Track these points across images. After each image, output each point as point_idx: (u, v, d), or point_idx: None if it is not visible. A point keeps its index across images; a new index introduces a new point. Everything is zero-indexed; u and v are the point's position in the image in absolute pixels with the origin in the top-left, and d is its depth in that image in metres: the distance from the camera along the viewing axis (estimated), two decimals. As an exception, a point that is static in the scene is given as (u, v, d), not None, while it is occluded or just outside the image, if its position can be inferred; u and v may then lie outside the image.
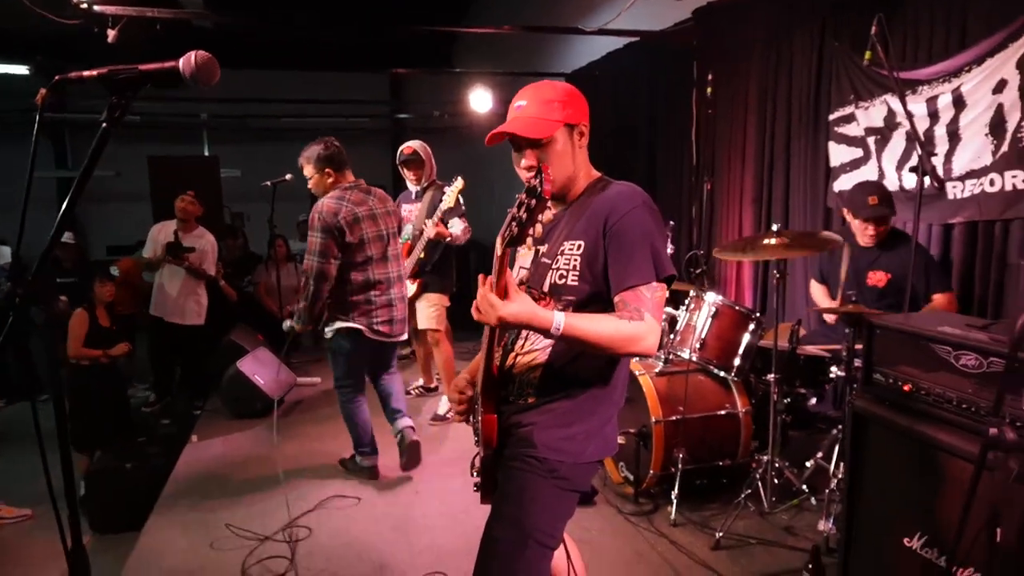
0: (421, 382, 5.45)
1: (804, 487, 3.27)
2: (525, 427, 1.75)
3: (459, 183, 4.41)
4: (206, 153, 11.76)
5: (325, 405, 5.26)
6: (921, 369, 2.09)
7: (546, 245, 1.78)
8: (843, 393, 3.35)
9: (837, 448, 3.24)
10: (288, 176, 6.03)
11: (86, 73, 1.14)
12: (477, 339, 1.78)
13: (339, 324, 3.64)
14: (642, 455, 3.36)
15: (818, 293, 3.85)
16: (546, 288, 1.74)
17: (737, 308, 3.40)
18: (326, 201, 3.52)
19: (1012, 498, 1.69)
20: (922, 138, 3.61)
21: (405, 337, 3.91)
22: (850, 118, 4.12)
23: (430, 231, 4.42)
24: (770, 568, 2.85)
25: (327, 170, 3.61)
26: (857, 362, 2.56)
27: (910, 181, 3.57)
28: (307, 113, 11.39)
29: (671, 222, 4.38)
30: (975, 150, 3.40)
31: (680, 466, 3.26)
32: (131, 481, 4.01)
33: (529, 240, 1.49)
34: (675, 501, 3.23)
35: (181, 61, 1.14)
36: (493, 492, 1.82)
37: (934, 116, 3.58)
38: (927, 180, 2.71)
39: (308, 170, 3.65)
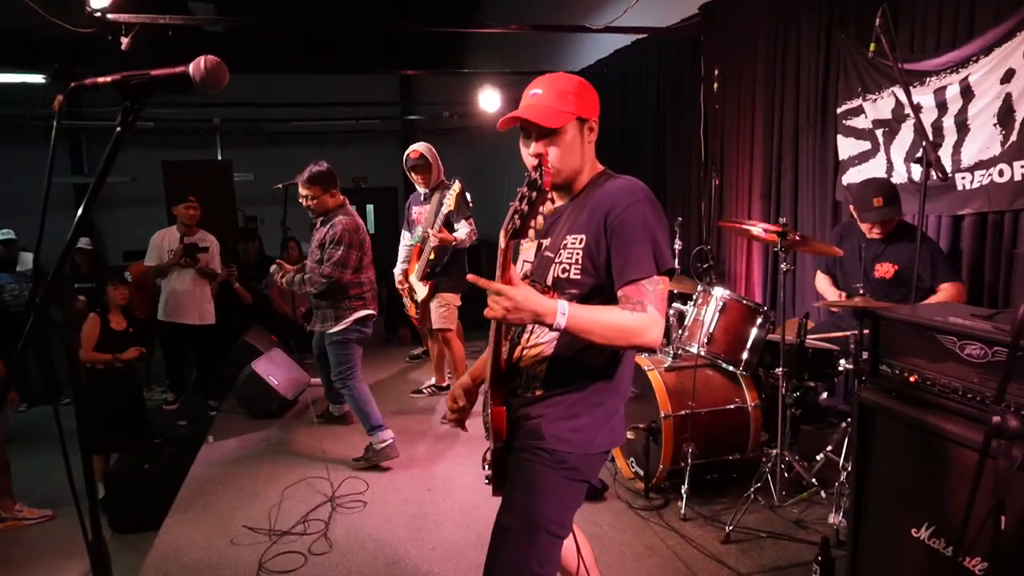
0: (433, 381, 5.49)
1: (814, 480, 3.27)
2: (533, 419, 1.78)
3: (456, 187, 4.46)
4: (219, 157, 11.87)
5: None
6: (927, 360, 2.09)
7: (549, 239, 1.80)
8: (853, 386, 3.35)
9: (847, 441, 3.24)
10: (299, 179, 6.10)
11: (100, 80, 1.18)
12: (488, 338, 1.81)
13: (358, 314, 4.03)
14: (652, 450, 3.38)
15: (824, 284, 3.85)
16: (549, 281, 1.76)
17: (745, 302, 3.41)
18: (345, 218, 3.96)
19: (1016, 486, 1.69)
20: (926, 130, 3.60)
21: None
22: (858, 111, 4.11)
23: (433, 240, 4.45)
24: (780, 561, 2.86)
25: (333, 190, 4.00)
26: (865, 354, 2.57)
27: (918, 173, 3.56)
28: (318, 116, 11.48)
29: (679, 218, 4.40)
30: (984, 140, 3.38)
31: (690, 461, 3.27)
32: (149, 481, 4.08)
33: (532, 232, 1.52)
34: (685, 495, 3.24)
35: (191, 66, 1.17)
36: (504, 484, 1.85)
37: (942, 107, 3.57)
38: (932, 173, 2.70)
39: (314, 191, 3.96)
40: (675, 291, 3.97)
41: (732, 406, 3.44)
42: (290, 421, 4.99)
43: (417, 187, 4.80)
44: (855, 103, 4.11)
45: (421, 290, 4.73)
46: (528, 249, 1.87)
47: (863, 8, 3.94)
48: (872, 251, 3.49)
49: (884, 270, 3.45)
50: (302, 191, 4.03)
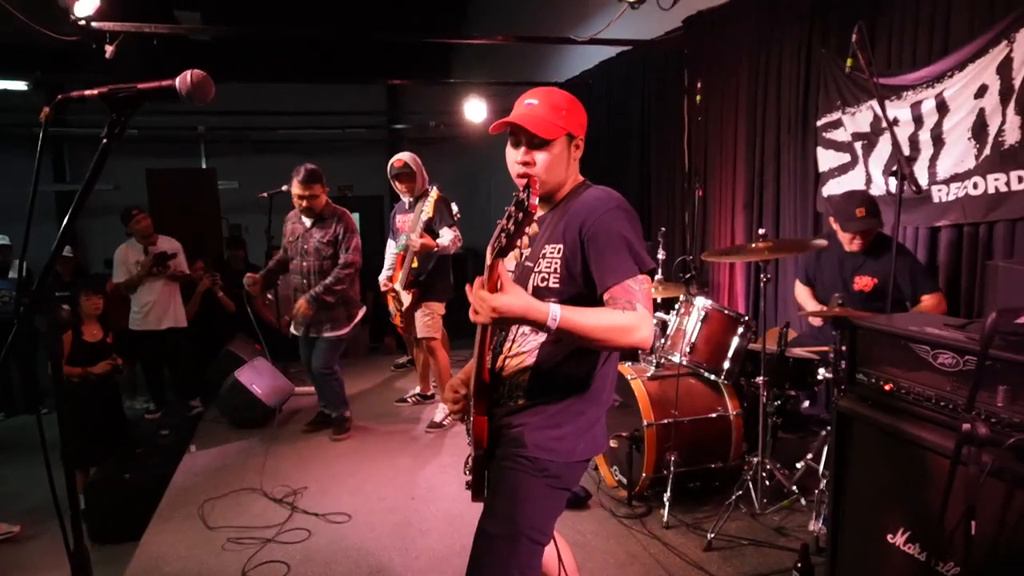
0: (418, 389, 5.49)
1: (794, 488, 3.31)
2: (516, 428, 1.80)
3: (434, 193, 4.50)
4: (204, 165, 11.82)
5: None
6: (902, 369, 2.14)
7: (529, 249, 1.83)
8: (833, 395, 3.39)
9: (826, 449, 3.28)
10: (285, 187, 6.08)
11: (87, 92, 1.20)
12: (473, 347, 1.83)
13: (360, 312, 4.53)
14: (635, 458, 3.40)
15: (803, 295, 3.91)
16: (529, 291, 1.79)
17: (726, 312, 3.45)
18: (347, 212, 4.41)
19: (987, 492, 1.73)
20: (904, 143, 3.68)
21: None
22: (837, 124, 4.19)
23: (415, 244, 4.46)
24: (761, 568, 2.89)
25: (326, 188, 4.30)
26: (843, 363, 2.61)
27: (896, 185, 3.63)
28: (304, 124, 11.47)
29: (663, 228, 4.44)
30: (959, 154, 3.46)
31: (672, 469, 3.30)
32: (130, 491, 4.05)
33: (517, 251, 1.54)
34: (667, 503, 3.27)
35: (177, 80, 1.19)
36: (483, 490, 1.87)
37: (918, 121, 3.65)
38: (906, 185, 2.76)
39: (314, 189, 4.20)
40: (658, 300, 4.01)
41: (714, 415, 3.47)
42: (273, 430, 4.96)
43: (401, 196, 4.82)
44: (835, 116, 4.19)
45: (405, 298, 4.74)
46: (509, 259, 1.89)
47: (843, 23, 4.02)
48: (852, 264, 3.55)
49: (863, 283, 3.50)
50: (301, 192, 4.13)
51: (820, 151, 4.34)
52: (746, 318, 3.45)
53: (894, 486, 2.14)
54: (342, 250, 4.29)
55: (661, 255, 4.22)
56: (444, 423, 4.81)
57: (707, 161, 5.45)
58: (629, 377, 3.48)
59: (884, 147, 3.89)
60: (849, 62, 2.91)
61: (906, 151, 3.68)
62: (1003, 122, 3.22)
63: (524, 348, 1.80)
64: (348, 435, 4.66)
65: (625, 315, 1.63)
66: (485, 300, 1.53)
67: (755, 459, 3.30)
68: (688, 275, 3.85)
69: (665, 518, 3.25)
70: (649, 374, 3.53)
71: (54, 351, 1.26)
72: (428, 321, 4.74)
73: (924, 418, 2.04)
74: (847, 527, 2.32)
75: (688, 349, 3.42)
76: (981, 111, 3.32)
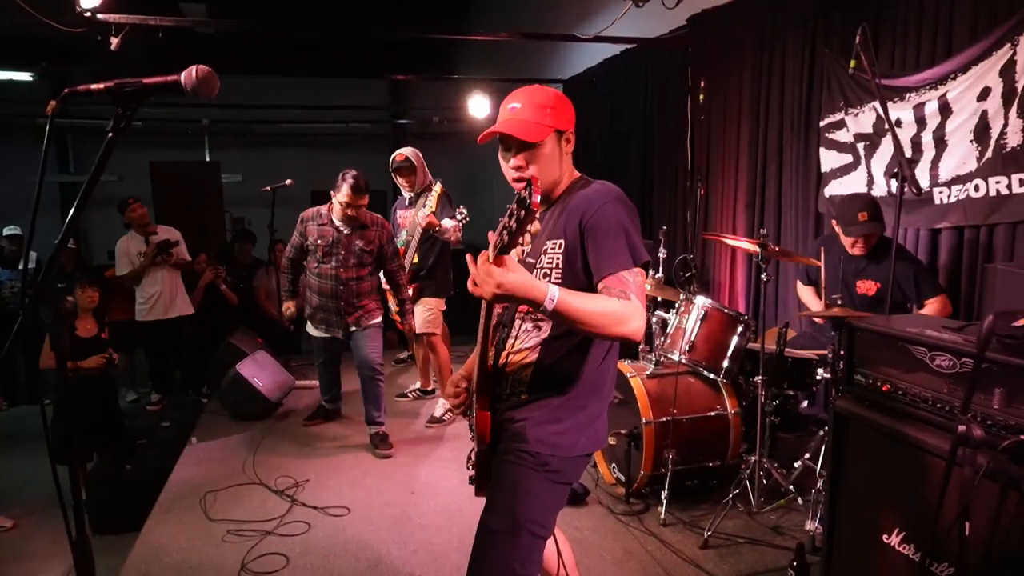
0: (418, 385, 5.51)
1: (791, 487, 3.32)
2: (518, 422, 1.82)
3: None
4: (207, 158, 11.84)
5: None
6: (900, 370, 2.15)
7: (530, 246, 1.84)
8: (831, 395, 3.40)
9: (823, 449, 3.29)
10: (288, 181, 6.11)
11: (93, 86, 1.21)
12: (474, 343, 1.84)
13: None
14: (633, 456, 3.42)
15: (806, 294, 3.91)
16: None
17: (725, 311, 3.46)
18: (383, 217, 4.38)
19: (981, 493, 1.75)
20: (906, 144, 3.69)
21: None
22: (840, 124, 4.19)
23: (422, 221, 4.50)
24: (757, 567, 2.91)
25: None
26: (841, 364, 2.62)
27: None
28: (308, 119, 11.49)
29: (664, 227, 4.45)
30: (961, 156, 3.46)
31: (670, 467, 3.31)
32: (131, 483, 4.07)
33: (519, 250, 1.55)
34: (665, 501, 3.29)
35: (183, 75, 1.20)
36: (486, 485, 1.89)
37: (921, 122, 3.65)
38: (906, 187, 2.77)
39: (366, 199, 4.13)
40: (658, 299, 4.02)
41: (713, 413, 3.48)
42: (274, 423, 4.99)
43: (402, 191, 4.83)
44: (837, 117, 4.19)
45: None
46: (511, 256, 1.91)
47: (846, 24, 4.02)
48: (854, 267, 3.55)
49: (867, 287, 3.50)
50: (352, 201, 4.01)
51: (822, 151, 4.34)
52: (745, 317, 3.46)
53: (890, 486, 2.15)
54: (389, 255, 4.31)
55: (662, 253, 4.23)
56: (444, 418, 4.83)
57: (709, 160, 5.46)
58: (628, 375, 3.49)
59: (886, 148, 3.89)
60: (852, 63, 2.92)
61: (908, 152, 3.68)
62: (1005, 125, 3.22)
63: (527, 344, 1.82)
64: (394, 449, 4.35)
65: (620, 303, 1.64)
66: (491, 274, 1.52)
67: (753, 458, 3.31)
68: (689, 273, 3.85)
69: (662, 516, 3.27)
70: (648, 372, 3.54)
71: (58, 342, 1.27)
72: (428, 316, 4.76)
73: (921, 419, 2.05)
74: (843, 527, 2.34)
75: (687, 347, 3.43)
76: (984, 113, 3.32)
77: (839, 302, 3.14)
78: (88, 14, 4.33)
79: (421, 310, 4.76)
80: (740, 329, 3.41)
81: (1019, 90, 3.14)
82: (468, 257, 1.60)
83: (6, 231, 6.90)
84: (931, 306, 3.35)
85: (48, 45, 8.38)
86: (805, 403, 3.91)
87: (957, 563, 1.82)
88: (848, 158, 4.16)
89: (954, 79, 3.44)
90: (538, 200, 1.47)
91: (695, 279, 3.84)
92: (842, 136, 4.18)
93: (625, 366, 3.58)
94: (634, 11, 4.72)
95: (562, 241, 1.76)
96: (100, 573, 1.53)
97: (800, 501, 3.29)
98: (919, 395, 2.06)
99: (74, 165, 11.90)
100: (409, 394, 5.47)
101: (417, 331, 4.80)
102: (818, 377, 3.37)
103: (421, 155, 4.75)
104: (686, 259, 4.02)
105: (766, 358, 3.28)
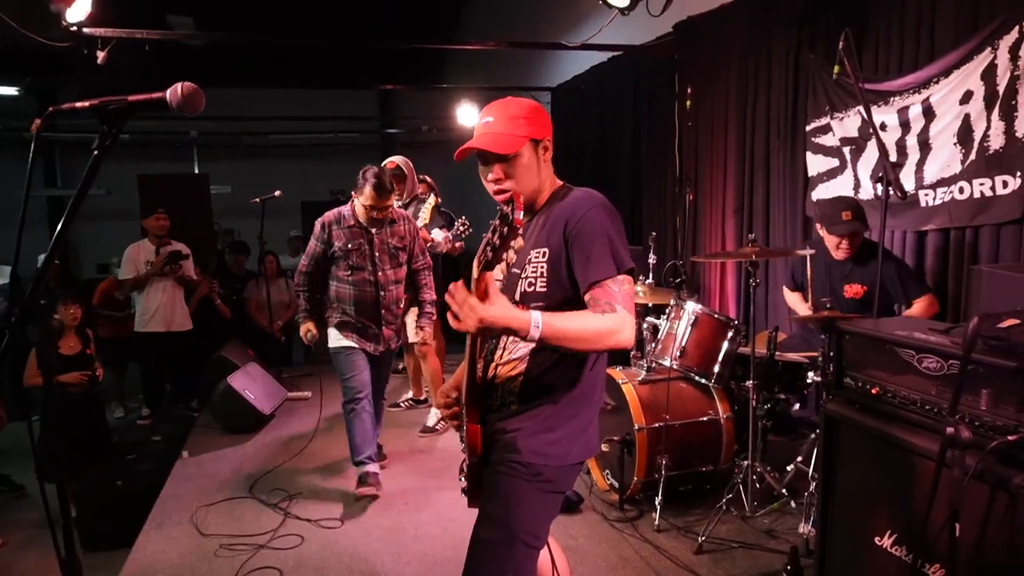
0: (411, 394, 5.50)
1: (784, 491, 3.33)
2: (509, 433, 1.82)
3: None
4: (196, 170, 11.81)
5: (315, 419, 5.30)
6: (888, 372, 2.17)
7: (515, 255, 1.85)
8: (822, 398, 3.42)
9: (815, 452, 3.31)
10: (277, 192, 6.11)
11: (79, 104, 1.21)
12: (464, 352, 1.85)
13: None
14: (626, 462, 3.42)
15: (793, 299, 3.94)
16: (517, 297, 1.81)
17: (716, 316, 3.48)
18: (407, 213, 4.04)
19: (970, 495, 1.76)
20: (891, 148, 3.72)
21: None
22: (826, 128, 4.22)
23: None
24: (751, 571, 2.91)
25: None
26: (831, 367, 2.63)
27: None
28: (297, 130, 11.49)
29: (654, 232, 4.47)
30: (945, 159, 3.50)
31: (663, 472, 3.32)
32: (121, 497, 4.03)
33: (503, 265, 1.55)
34: (659, 507, 3.29)
35: (168, 92, 1.20)
36: (479, 496, 1.89)
37: (905, 126, 3.69)
38: (890, 190, 2.80)
39: (392, 199, 3.77)
40: (649, 304, 4.03)
41: (705, 418, 3.49)
42: (266, 436, 4.96)
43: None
44: (823, 121, 4.23)
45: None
46: (496, 270, 1.92)
47: (831, 29, 4.06)
48: (840, 270, 3.58)
49: (854, 291, 3.53)
50: (376, 203, 3.64)
51: (809, 156, 4.37)
52: (736, 322, 3.47)
53: (881, 489, 2.16)
54: (417, 252, 3.96)
55: (652, 259, 4.24)
56: (437, 427, 4.82)
57: (698, 166, 5.49)
58: (620, 381, 3.50)
59: (872, 152, 3.92)
60: (836, 69, 2.94)
61: (893, 156, 3.72)
62: (988, 127, 3.25)
63: (515, 355, 1.82)
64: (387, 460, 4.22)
65: (605, 318, 1.65)
66: (473, 309, 1.53)
67: (745, 462, 3.32)
68: (679, 279, 3.87)
69: (656, 521, 3.27)
70: (640, 378, 3.55)
71: (45, 360, 1.26)
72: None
73: (910, 421, 2.06)
74: (836, 529, 2.35)
75: (679, 353, 3.44)
76: (966, 117, 3.36)
77: (828, 305, 3.16)
78: (74, 28, 4.31)
79: (412, 319, 4.75)
80: (730, 334, 3.43)
81: (1000, 93, 3.18)
82: (449, 290, 1.59)
83: None
84: (918, 305, 3.38)
85: (34, 59, 8.35)
86: (797, 406, 3.93)
87: (948, 564, 1.83)
88: (834, 162, 4.20)
89: (937, 83, 3.47)
90: (521, 216, 1.49)
91: (685, 285, 3.85)
92: (828, 140, 4.22)
93: (617, 372, 3.59)
94: (621, 19, 4.74)
95: (546, 250, 1.77)
96: (90, 591, 1.52)
97: (793, 504, 3.30)
98: (908, 397, 2.08)
99: (61, 179, 11.84)
100: (402, 403, 5.46)
101: (409, 341, 4.80)
102: (809, 380, 3.38)
103: (411, 164, 4.76)
104: (676, 265, 4.03)
105: (757, 362, 3.30)
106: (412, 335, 4.76)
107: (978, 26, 3.28)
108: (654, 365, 3.63)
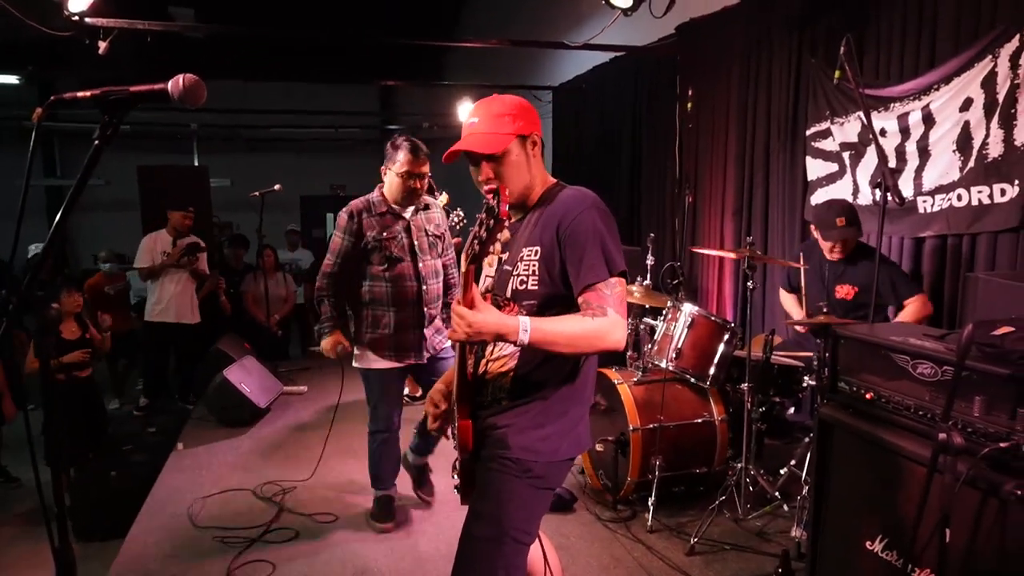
0: (407, 391, 5.50)
1: (777, 494, 3.34)
2: (500, 429, 1.83)
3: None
4: (196, 162, 11.79)
5: (310, 414, 5.31)
6: (883, 377, 2.17)
7: (507, 252, 1.86)
8: (816, 402, 3.43)
9: (809, 455, 3.32)
10: (277, 186, 6.11)
11: (80, 94, 1.21)
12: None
13: None
14: (620, 462, 3.43)
15: (788, 301, 3.95)
16: (508, 294, 1.82)
17: (712, 319, 3.48)
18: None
19: (961, 500, 1.77)
20: (891, 154, 3.73)
21: None
22: (826, 133, 4.23)
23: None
24: (742, 573, 2.92)
25: None
26: (826, 371, 2.64)
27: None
28: (297, 123, 11.48)
29: (652, 234, 4.47)
30: (944, 166, 3.51)
31: (657, 473, 3.33)
32: (116, 489, 4.03)
33: (491, 257, 1.57)
34: (652, 507, 3.29)
35: (170, 84, 1.20)
36: (472, 493, 1.89)
37: (905, 132, 3.70)
38: (889, 196, 2.80)
39: (428, 165, 3.30)
40: (646, 306, 4.04)
41: (700, 420, 3.50)
42: (261, 429, 4.96)
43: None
44: (823, 126, 4.24)
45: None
46: (491, 263, 1.92)
47: (832, 34, 4.07)
48: (833, 272, 3.60)
49: (844, 292, 3.55)
50: (417, 168, 3.20)
51: (809, 160, 4.38)
52: (732, 325, 3.48)
53: (874, 493, 2.17)
54: (448, 246, 3.48)
55: (650, 260, 4.25)
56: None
57: (697, 167, 5.50)
58: (616, 381, 3.50)
59: (871, 157, 3.93)
60: (837, 74, 2.95)
61: (893, 162, 3.73)
62: (987, 135, 3.27)
63: (506, 351, 1.83)
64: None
65: (595, 321, 1.67)
66: (463, 317, 1.59)
67: (739, 465, 3.33)
68: (676, 281, 3.88)
69: (649, 522, 3.28)
70: (636, 379, 3.55)
71: (43, 349, 1.27)
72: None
73: (903, 427, 2.07)
74: (827, 533, 2.35)
75: (675, 355, 3.45)
76: (966, 124, 3.37)
77: (824, 310, 3.17)
78: (76, 18, 4.31)
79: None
80: (727, 336, 3.44)
81: (1000, 101, 3.19)
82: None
83: None
84: (911, 306, 3.40)
85: (35, 49, 8.34)
86: (792, 410, 3.95)
87: (938, 569, 1.84)
88: (834, 167, 4.21)
89: (937, 90, 3.48)
90: (506, 209, 1.51)
91: (682, 286, 3.86)
92: (828, 145, 4.23)
93: (613, 373, 3.59)
94: (623, 19, 4.75)
95: (538, 248, 1.78)
96: (83, 581, 1.52)
97: (786, 508, 3.31)
98: (902, 403, 2.08)
99: (61, 169, 11.82)
100: (397, 400, 5.45)
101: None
102: (804, 384, 3.39)
103: None
104: (674, 266, 4.04)
105: (752, 365, 3.31)
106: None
107: (979, 33, 3.29)
108: (650, 366, 3.63)
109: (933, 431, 1.66)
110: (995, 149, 3.24)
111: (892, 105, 3.73)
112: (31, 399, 5.65)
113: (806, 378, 3.36)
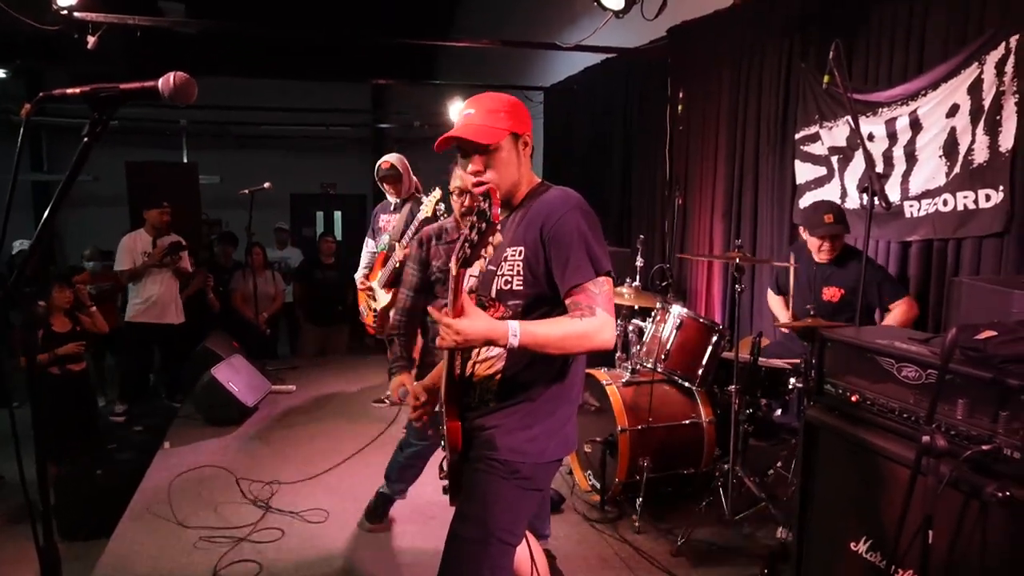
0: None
1: (763, 495, 3.36)
2: (488, 430, 1.83)
3: (436, 194, 4.46)
4: (185, 159, 11.72)
5: (299, 413, 5.28)
6: (868, 380, 2.19)
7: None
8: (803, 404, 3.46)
9: (795, 457, 3.34)
10: (267, 184, 6.07)
11: (69, 90, 1.20)
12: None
13: None
14: (608, 463, 3.44)
15: (775, 304, 3.98)
16: (493, 293, 1.82)
17: (701, 320, 3.50)
18: None
19: (944, 502, 1.79)
20: (875, 159, 3.77)
21: None
22: (815, 137, 4.26)
23: (398, 254, 4.34)
24: (728, 573, 2.94)
25: None
26: (812, 374, 2.66)
27: (869, 200, 3.71)
28: (288, 121, 11.42)
29: (641, 236, 4.49)
30: (930, 171, 3.55)
31: (645, 474, 3.34)
32: (101, 488, 4.01)
33: (482, 261, 1.57)
34: (639, 508, 3.31)
35: (160, 81, 1.20)
36: (460, 493, 1.90)
37: (893, 137, 3.73)
38: (875, 200, 2.83)
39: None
40: (635, 307, 4.06)
41: (687, 421, 3.52)
42: (249, 428, 4.94)
43: (388, 196, 4.81)
44: (812, 130, 4.27)
45: (383, 297, 4.72)
46: (475, 263, 1.93)
47: (822, 39, 4.10)
48: (821, 274, 3.63)
49: (831, 294, 3.58)
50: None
51: (798, 164, 4.41)
52: (720, 327, 3.50)
53: (859, 495, 2.19)
54: None
55: (640, 262, 4.26)
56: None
57: (687, 170, 5.52)
58: (604, 382, 3.51)
59: (859, 162, 3.96)
60: (826, 78, 2.98)
61: (880, 167, 3.77)
62: (973, 141, 3.30)
63: (493, 353, 1.83)
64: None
65: (583, 322, 1.68)
66: (451, 325, 1.59)
67: (726, 466, 3.34)
68: (665, 283, 3.89)
69: (636, 523, 3.29)
70: (624, 380, 3.56)
71: (29, 346, 1.26)
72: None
73: (888, 429, 2.09)
74: (813, 534, 2.37)
75: (663, 356, 3.46)
76: (952, 130, 3.40)
77: (811, 313, 3.20)
78: (65, 12, 4.28)
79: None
80: (715, 338, 3.45)
81: (986, 108, 3.23)
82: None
83: None
84: (897, 308, 3.43)
85: (24, 42, 8.26)
86: (779, 412, 3.96)
87: (921, 570, 1.86)
88: (822, 170, 4.24)
89: (924, 95, 3.52)
90: (498, 212, 1.50)
91: (671, 288, 3.87)
92: (817, 149, 4.26)
93: (601, 374, 3.60)
94: (615, 21, 4.77)
95: (522, 248, 1.79)
96: (68, 580, 1.51)
97: (772, 509, 3.33)
98: (887, 405, 2.11)
99: (48, 164, 11.70)
100: (386, 399, 5.44)
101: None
102: (791, 386, 3.41)
103: (407, 161, 4.74)
104: (663, 268, 4.06)
105: (740, 367, 3.33)
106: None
107: (967, 40, 3.32)
108: (638, 367, 3.65)
109: (917, 433, 1.68)
110: (980, 155, 3.28)
111: (880, 110, 3.77)
112: (16, 396, 5.60)
113: (793, 380, 3.39)
